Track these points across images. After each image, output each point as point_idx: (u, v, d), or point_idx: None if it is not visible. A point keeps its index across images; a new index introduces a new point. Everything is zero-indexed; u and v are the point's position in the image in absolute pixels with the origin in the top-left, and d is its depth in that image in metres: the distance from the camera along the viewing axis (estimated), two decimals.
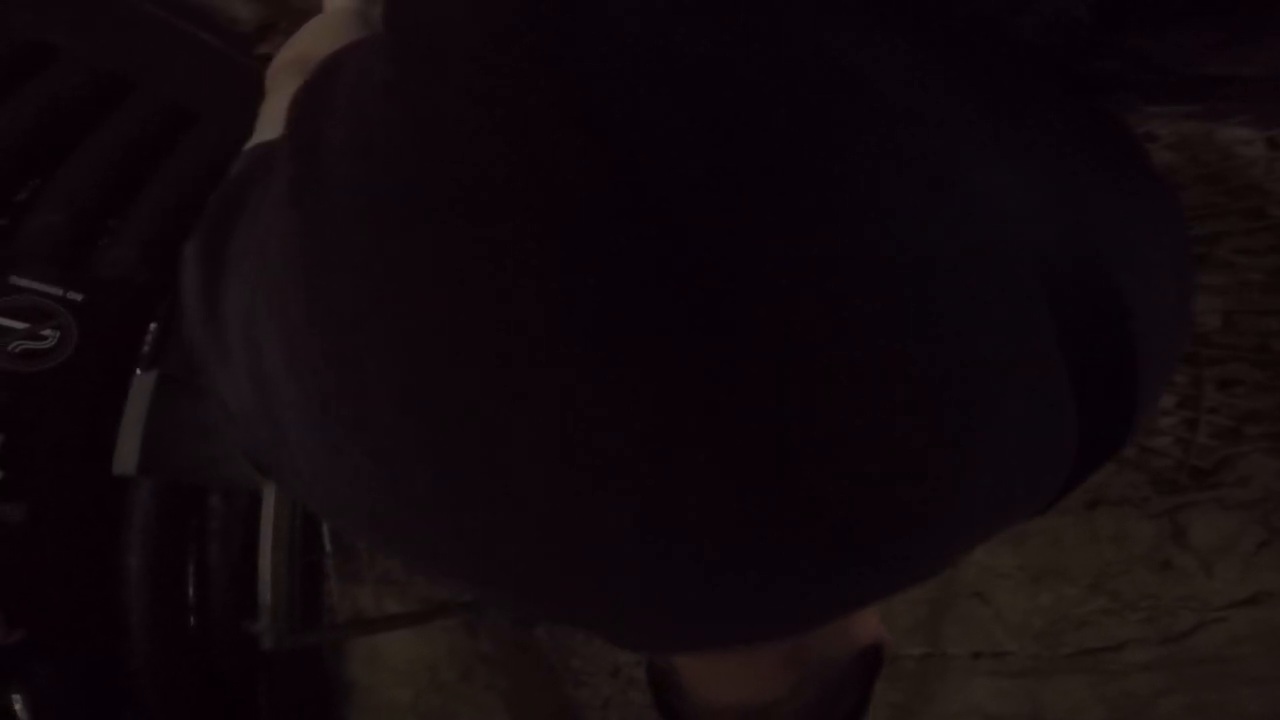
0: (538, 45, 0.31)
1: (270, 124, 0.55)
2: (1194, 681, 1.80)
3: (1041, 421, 0.32)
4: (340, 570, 2.26)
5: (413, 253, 0.29)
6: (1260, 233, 2.11)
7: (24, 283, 2.06)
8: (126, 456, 1.74)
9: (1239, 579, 1.81)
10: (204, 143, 2.44)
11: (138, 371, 2.01)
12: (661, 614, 0.34)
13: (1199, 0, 0.40)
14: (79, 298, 2.09)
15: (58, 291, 2.08)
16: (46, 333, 2.03)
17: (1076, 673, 1.89)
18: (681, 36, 0.30)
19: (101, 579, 2.23)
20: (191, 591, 2.30)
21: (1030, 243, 0.31)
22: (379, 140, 0.32)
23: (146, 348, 2.20)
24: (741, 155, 0.28)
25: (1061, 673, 1.89)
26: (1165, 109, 1.87)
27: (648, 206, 0.27)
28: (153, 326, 2.21)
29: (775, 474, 0.27)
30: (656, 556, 0.30)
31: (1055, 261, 0.31)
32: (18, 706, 2.02)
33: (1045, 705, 1.89)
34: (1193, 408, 1.99)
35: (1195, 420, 1.98)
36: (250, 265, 0.37)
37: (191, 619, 2.30)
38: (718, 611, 0.34)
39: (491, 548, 0.33)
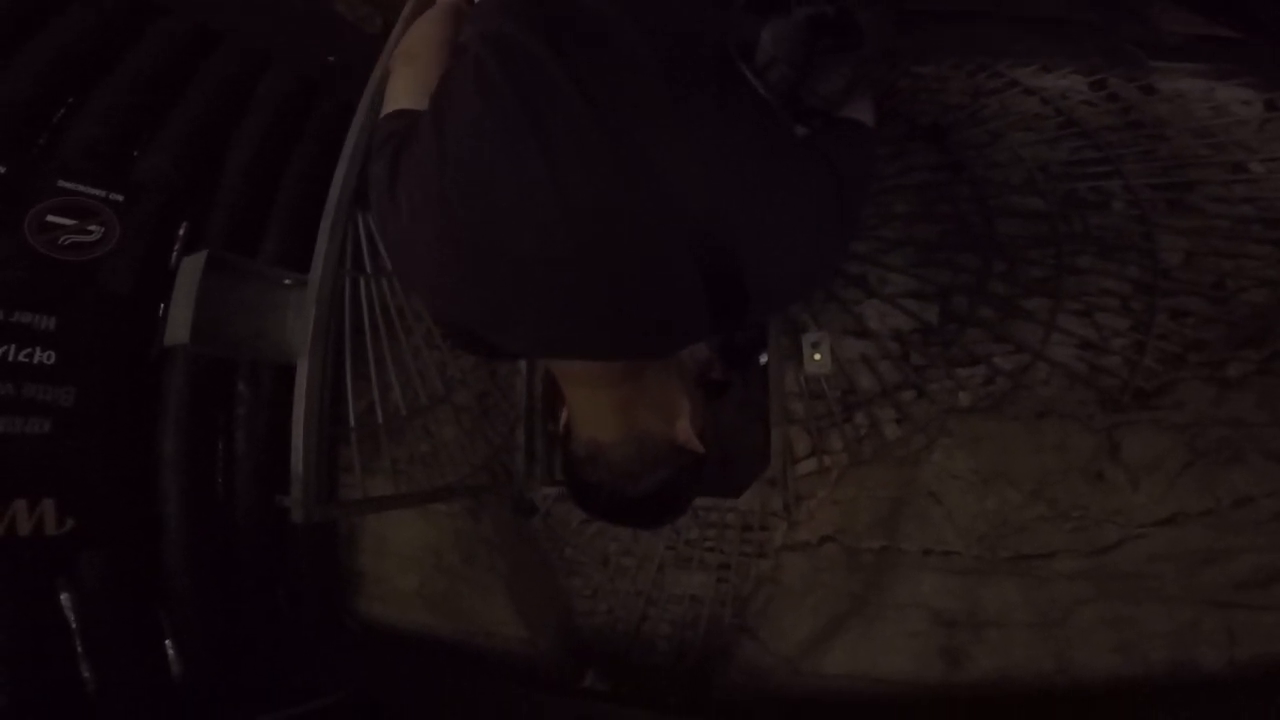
0: (535, 38, 0.73)
1: (397, 97, 0.90)
2: (1113, 594, 1.94)
3: (683, 311, 0.71)
4: (359, 454, 2.43)
5: (488, 150, 0.70)
6: (1237, 185, 2.23)
7: (70, 185, 2.27)
8: (179, 327, 1.85)
9: (1162, 497, 1.95)
10: (227, 64, 2.64)
11: (174, 255, 2.21)
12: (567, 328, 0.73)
13: None
14: (120, 198, 2.30)
15: (100, 193, 2.29)
16: (92, 228, 2.25)
17: (1012, 575, 2.04)
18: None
19: (141, 467, 2.44)
20: (220, 479, 2.52)
21: (686, 212, 0.67)
22: (460, 107, 0.74)
23: (179, 243, 2.39)
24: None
25: (999, 574, 2.04)
26: (1170, 64, 2.04)
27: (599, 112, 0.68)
28: (185, 224, 2.40)
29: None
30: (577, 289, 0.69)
31: (697, 226, 0.67)
32: (66, 605, 2.20)
33: (981, 604, 2.04)
34: (1144, 333, 2.14)
35: (1144, 344, 2.13)
36: (407, 166, 0.75)
37: (220, 507, 2.52)
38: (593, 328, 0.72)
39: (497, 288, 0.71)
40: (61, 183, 2.24)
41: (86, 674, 2.18)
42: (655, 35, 0.71)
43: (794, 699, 2.07)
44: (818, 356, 2.37)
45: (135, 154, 2.39)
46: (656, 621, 2.45)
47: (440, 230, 0.71)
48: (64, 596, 2.20)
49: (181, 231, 2.41)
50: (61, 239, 2.21)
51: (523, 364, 2.78)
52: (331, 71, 2.80)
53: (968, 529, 2.11)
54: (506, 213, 0.68)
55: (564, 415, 0.87)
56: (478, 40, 0.77)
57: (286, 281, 2.22)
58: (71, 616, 2.19)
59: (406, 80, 0.90)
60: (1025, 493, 2.07)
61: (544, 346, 0.78)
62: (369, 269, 2.61)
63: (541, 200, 0.67)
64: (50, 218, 2.21)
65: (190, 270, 1.93)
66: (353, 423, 2.48)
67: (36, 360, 2.18)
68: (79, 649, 2.18)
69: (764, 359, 2.53)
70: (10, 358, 2.14)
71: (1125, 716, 1.74)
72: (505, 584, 2.52)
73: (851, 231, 0.79)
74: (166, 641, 2.33)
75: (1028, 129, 2.37)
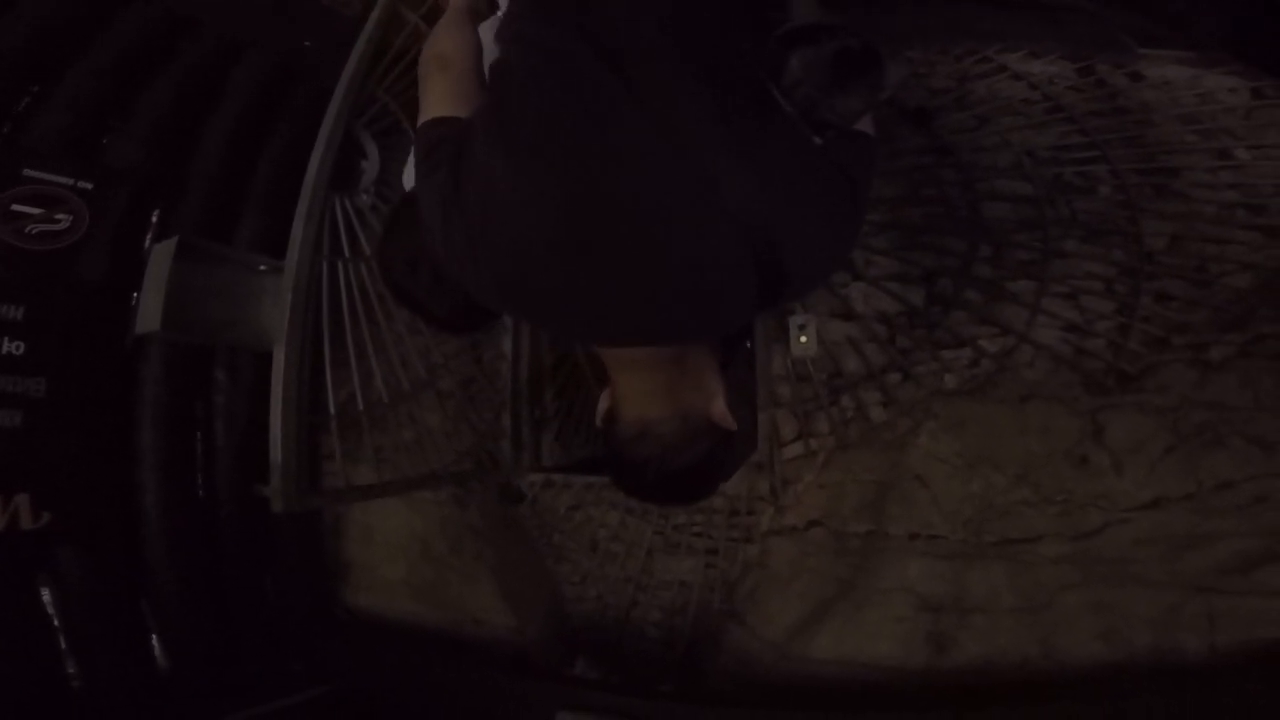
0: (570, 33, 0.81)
1: (436, 104, 0.97)
2: (1097, 579, 1.96)
3: (740, 296, 0.80)
4: (340, 442, 2.39)
5: (559, 158, 0.77)
6: (1222, 170, 2.23)
7: (36, 174, 2.20)
8: (150, 314, 1.82)
9: (1145, 481, 1.97)
10: (201, 49, 2.57)
11: (147, 243, 2.16)
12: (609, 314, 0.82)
13: None
14: (89, 186, 2.23)
15: (68, 181, 2.23)
16: (60, 217, 2.18)
17: (997, 560, 2.05)
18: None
19: (117, 458, 2.39)
20: (200, 470, 2.48)
21: (738, 207, 0.75)
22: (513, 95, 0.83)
23: (151, 231, 2.33)
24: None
25: (985, 559, 2.06)
26: (1157, 51, 2.03)
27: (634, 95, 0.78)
28: (157, 211, 2.33)
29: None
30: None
31: (749, 223, 0.76)
32: (46, 600, 2.16)
33: (967, 589, 2.05)
34: (1128, 316, 2.16)
35: (1129, 327, 2.14)
36: (471, 170, 0.83)
37: (200, 496, 2.48)
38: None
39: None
40: (27, 171, 2.18)
41: (71, 670, 2.15)
42: (695, 58, 0.82)
43: (781, 684, 2.09)
44: (804, 339, 2.37)
45: (104, 141, 2.32)
46: (646, 608, 2.46)
47: (515, 233, 0.79)
48: (45, 592, 2.16)
49: (154, 219, 2.35)
50: (29, 228, 2.15)
51: (508, 349, 2.75)
52: (308, 56, 2.72)
53: (953, 513, 2.13)
54: (579, 217, 0.77)
55: (604, 403, 0.95)
56: (530, 50, 0.85)
57: (262, 267, 2.17)
58: (54, 612, 2.15)
59: (443, 87, 1.00)
60: (1010, 476, 2.08)
61: (610, 335, 0.88)
62: (347, 254, 2.57)
63: (613, 205, 0.77)
64: (16, 207, 2.14)
65: (161, 257, 1.89)
66: (333, 410, 2.46)
67: (4, 351, 2.13)
68: (63, 645, 2.15)
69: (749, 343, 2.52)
70: None
71: (1109, 702, 1.76)
72: (493, 572, 2.51)
73: (861, 227, 0.91)
74: (152, 636, 2.30)
75: (1015, 114, 2.36)
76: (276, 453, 1.94)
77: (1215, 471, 1.92)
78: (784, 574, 2.27)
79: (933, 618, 2.01)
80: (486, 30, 1.17)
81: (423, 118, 0.96)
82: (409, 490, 2.44)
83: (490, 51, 1.04)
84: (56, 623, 2.15)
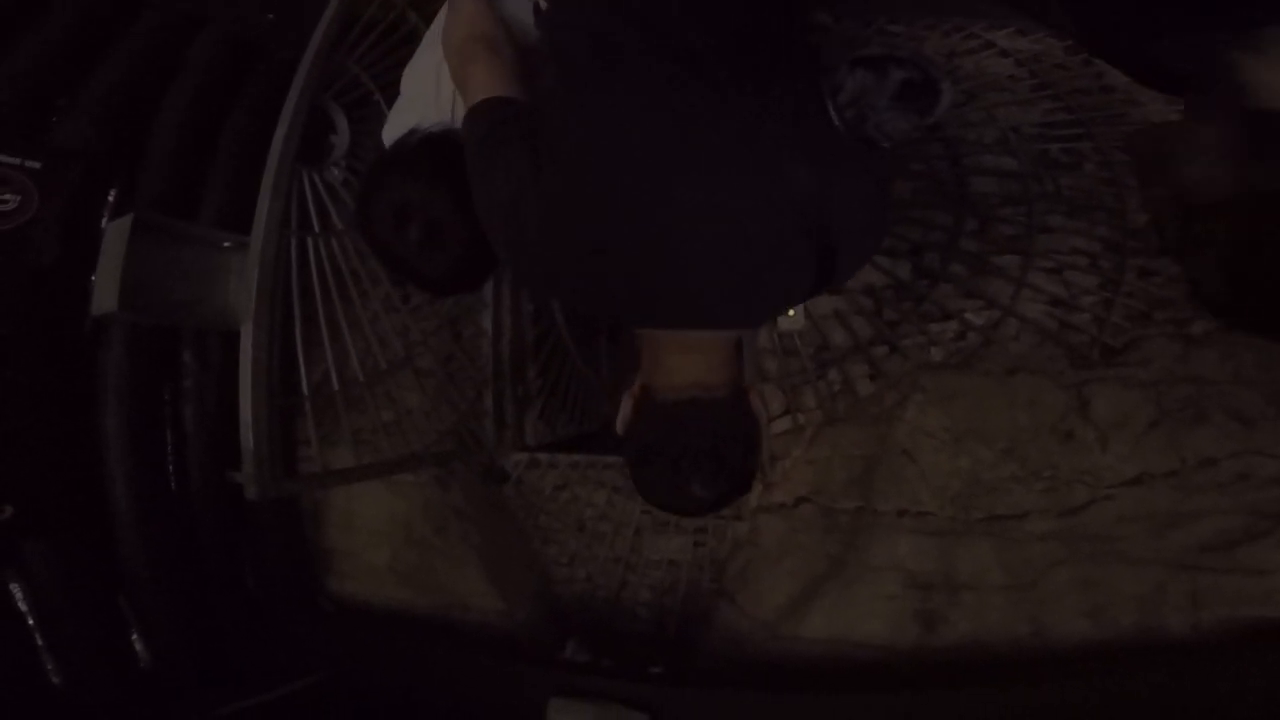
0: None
1: (489, 86, 1.01)
2: (1084, 556, 1.97)
3: (801, 281, 0.91)
4: (316, 425, 2.32)
5: (639, 148, 0.85)
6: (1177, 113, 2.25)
7: None
8: (106, 294, 1.74)
9: (1129, 455, 1.98)
10: (156, 21, 2.42)
11: (104, 222, 2.03)
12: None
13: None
14: (36, 165, 2.10)
15: (14, 160, 2.09)
16: (7, 198, 2.04)
17: (985, 537, 2.06)
18: None
19: (82, 446, 2.27)
20: (171, 456, 2.38)
21: (801, 198, 0.83)
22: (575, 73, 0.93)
23: (108, 210, 2.20)
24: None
25: (973, 535, 2.06)
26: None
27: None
28: (114, 190, 2.20)
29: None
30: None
31: (806, 205, 0.83)
32: (17, 596, 2.07)
33: (955, 566, 2.06)
34: (1112, 290, 2.17)
35: (1113, 301, 2.16)
36: (550, 149, 0.88)
37: (172, 485, 2.38)
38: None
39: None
40: None
41: (50, 666, 2.08)
42: (753, 52, 0.90)
43: (772, 663, 2.10)
44: (791, 312, 2.35)
45: (54, 120, 2.17)
46: (636, 588, 2.46)
47: (595, 223, 0.85)
48: (14, 588, 2.08)
49: (111, 197, 2.21)
50: None
51: (488, 325, 2.68)
52: (271, 30, 2.57)
53: (941, 488, 2.14)
54: (665, 209, 0.83)
55: (626, 405, 0.98)
56: (599, 41, 0.90)
57: (226, 244, 2.08)
58: (26, 609, 2.07)
59: (498, 69, 1.03)
60: (997, 451, 2.09)
61: (690, 319, 0.92)
62: (317, 229, 2.46)
63: (698, 197, 0.83)
64: None
65: (117, 234, 1.79)
66: (306, 391, 2.38)
67: None
68: (39, 642, 2.08)
69: None
70: None
71: (1097, 681, 1.80)
72: (479, 555, 2.47)
73: (889, 222, 1.05)
74: (132, 631, 2.22)
75: (1001, 90, 2.35)
76: (248, 437, 1.86)
77: (1198, 448, 1.94)
78: (774, 551, 2.27)
79: (922, 595, 2.03)
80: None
81: (480, 95, 1.00)
82: (389, 473, 2.38)
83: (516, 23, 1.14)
84: (30, 620, 2.07)
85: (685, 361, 0.93)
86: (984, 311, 2.27)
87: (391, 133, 1.48)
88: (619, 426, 0.98)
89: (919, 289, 2.35)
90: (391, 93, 2.59)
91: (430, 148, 1.13)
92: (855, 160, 0.89)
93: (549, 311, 2.83)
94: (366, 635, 2.41)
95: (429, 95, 1.30)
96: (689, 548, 2.41)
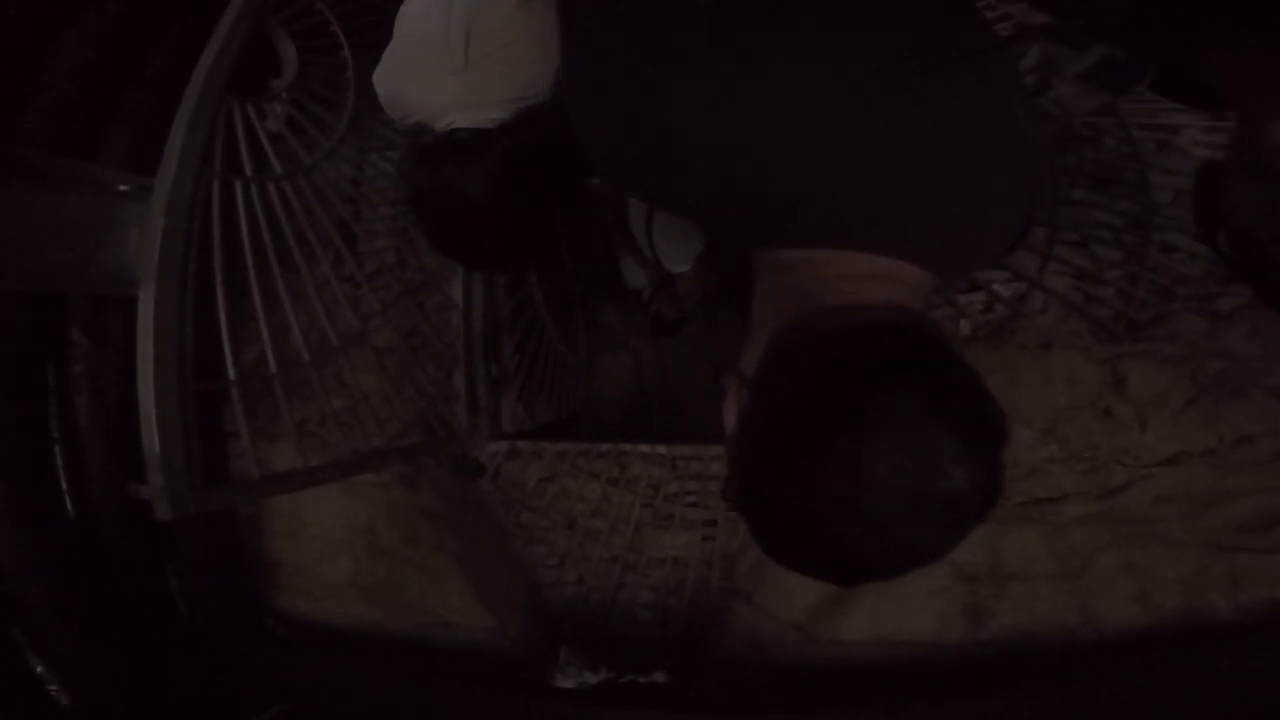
0: None
1: None
2: (1125, 539, 1.90)
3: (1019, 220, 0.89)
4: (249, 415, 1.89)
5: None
6: (1216, 131, 2.21)
7: None
8: None
9: (1168, 434, 1.93)
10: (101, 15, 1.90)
11: None
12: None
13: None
14: None
15: None
16: None
17: (1028, 522, 1.96)
18: None
19: None
20: (60, 457, 1.88)
21: (1027, 138, 0.80)
22: None
23: None
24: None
25: (1016, 521, 1.95)
26: None
27: None
28: None
29: None
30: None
31: (1034, 146, 0.82)
32: None
33: (1002, 555, 1.94)
34: (1137, 264, 2.12)
35: (1138, 275, 2.11)
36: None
37: (67, 500, 1.87)
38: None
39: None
40: None
41: None
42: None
43: (810, 669, 1.91)
44: None
45: None
46: (635, 589, 2.19)
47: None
48: None
49: None
50: None
51: (457, 295, 2.30)
52: None
53: None
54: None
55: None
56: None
57: (124, 187, 1.63)
58: None
59: None
60: (1036, 430, 2.00)
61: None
62: (250, 172, 2.01)
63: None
64: None
65: None
66: (232, 375, 1.93)
67: None
68: None
69: None
70: None
71: (1143, 668, 1.73)
72: (458, 563, 2.12)
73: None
74: (37, 668, 1.73)
75: None
76: (152, 438, 1.40)
77: (1235, 425, 1.91)
78: None
79: (969, 587, 1.90)
80: None
81: None
82: (345, 476, 1.98)
83: None
84: None
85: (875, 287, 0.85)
86: (1011, 283, 2.17)
87: (388, 80, 1.37)
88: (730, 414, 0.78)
89: None
90: (354, 23, 2.17)
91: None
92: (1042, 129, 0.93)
93: (524, 282, 2.49)
94: (330, 662, 2.01)
95: (436, 39, 1.18)
96: (696, 543, 2.17)
